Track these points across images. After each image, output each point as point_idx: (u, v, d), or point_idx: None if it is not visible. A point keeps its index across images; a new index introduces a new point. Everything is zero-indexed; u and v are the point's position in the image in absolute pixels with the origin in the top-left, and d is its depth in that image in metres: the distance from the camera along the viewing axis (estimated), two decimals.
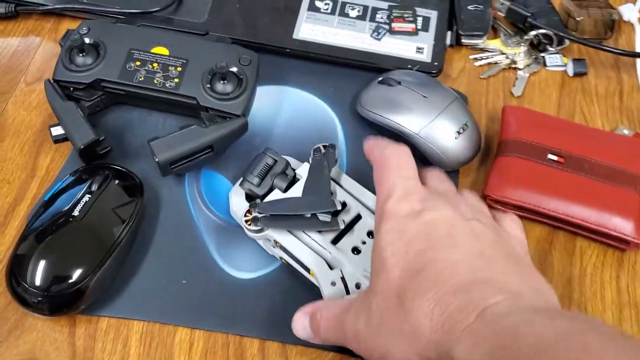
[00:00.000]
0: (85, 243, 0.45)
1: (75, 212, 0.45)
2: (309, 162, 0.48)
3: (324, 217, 0.45)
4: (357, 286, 0.43)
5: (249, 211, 0.46)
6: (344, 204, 0.46)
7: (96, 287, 0.44)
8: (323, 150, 0.49)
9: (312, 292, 0.45)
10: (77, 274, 0.43)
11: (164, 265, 0.48)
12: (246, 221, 0.46)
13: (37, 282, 0.43)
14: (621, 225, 0.48)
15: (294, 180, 0.48)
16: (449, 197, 0.39)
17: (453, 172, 0.53)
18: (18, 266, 0.44)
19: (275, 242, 0.45)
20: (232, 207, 0.48)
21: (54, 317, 0.45)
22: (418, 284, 0.32)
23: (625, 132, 0.55)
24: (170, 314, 0.46)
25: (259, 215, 0.45)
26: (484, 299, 0.30)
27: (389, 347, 0.33)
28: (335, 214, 0.45)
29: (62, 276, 0.43)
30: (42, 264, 0.43)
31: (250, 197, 0.48)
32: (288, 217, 0.45)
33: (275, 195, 0.47)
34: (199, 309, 0.46)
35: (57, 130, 0.49)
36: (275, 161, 0.48)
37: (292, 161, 0.49)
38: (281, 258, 0.47)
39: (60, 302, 0.43)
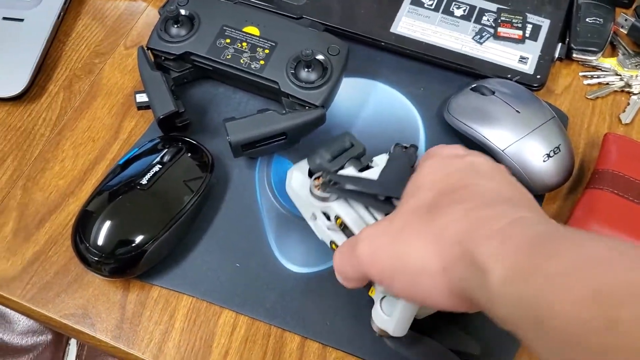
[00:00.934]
0: (148, 211, 0.46)
1: (144, 181, 0.46)
2: (387, 154, 0.45)
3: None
4: None
5: (318, 178, 0.42)
6: None
7: (154, 255, 0.45)
8: (404, 150, 0.45)
9: (363, 298, 0.43)
10: (137, 239, 0.44)
11: (221, 245, 0.48)
12: (315, 186, 0.42)
13: (99, 243, 0.44)
14: None
15: (367, 167, 0.44)
16: None
17: (538, 197, 0.48)
18: (83, 225, 0.45)
19: (336, 217, 0.41)
20: (291, 182, 0.45)
21: (110, 279, 0.46)
22: (450, 199, 0.33)
23: None
24: (219, 295, 0.46)
25: (330, 182, 0.41)
26: (515, 212, 0.30)
27: (408, 250, 0.32)
28: None
29: (123, 240, 0.45)
30: (105, 226, 0.45)
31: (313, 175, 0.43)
32: (359, 194, 0.41)
33: (347, 172, 0.43)
34: (248, 295, 0.46)
35: (142, 97, 0.50)
36: (353, 145, 0.44)
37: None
38: (332, 243, 0.42)
39: (118, 265, 0.45)
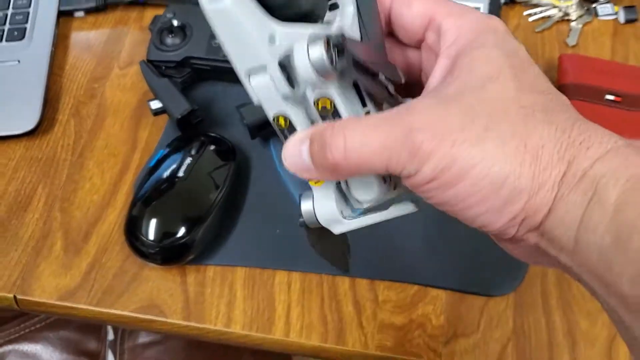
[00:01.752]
0: (190, 200, 0.51)
1: (180, 173, 0.51)
2: None
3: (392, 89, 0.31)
4: None
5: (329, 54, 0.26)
6: None
7: (202, 238, 0.50)
8: None
9: (391, 230, 0.50)
10: (185, 227, 0.49)
11: (259, 218, 0.53)
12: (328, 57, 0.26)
13: (152, 236, 0.49)
14: None
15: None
16: None
17: None
18: (135, 224, 0.50)
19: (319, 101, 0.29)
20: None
21: (166, 267, 0.51)
22: (549, 102, 0.26)
23: None
24: (269, 260, 0.51)
25: (340, 55, 0.27)
26: (619, 137, 0.26)
27: (499, 158, 0.25)
28: None
29: (173, 230, 0.49)
30: (155, 219, 0.50)
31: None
32: (366, 72, 0.28)
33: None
34: (294, 254, 0.51)
35: (156, 104, 0.55)
36: None
37: None
38: (280, 118, 0.29)
39: (172, 253, 0.50)
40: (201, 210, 0.51)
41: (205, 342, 0.73)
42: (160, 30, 0.57)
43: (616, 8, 0.64)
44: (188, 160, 0.52)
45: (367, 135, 0.26)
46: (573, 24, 0.63)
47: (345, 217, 0.32)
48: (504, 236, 0.27)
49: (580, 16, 0.64)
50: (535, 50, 0.62)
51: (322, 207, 0.31)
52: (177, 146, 0.54)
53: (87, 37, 0.65)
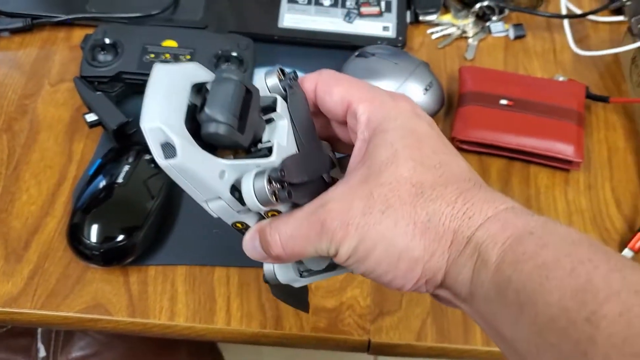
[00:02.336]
0: (130, 204, 0.54)
1: (119, 180, 0.54)
2: (280, 93, 0.34)
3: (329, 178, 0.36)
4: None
5: (272, 189, 0.31)
6: None
7: (142, 241, 0.53)
8: (282, 77, 0.35)
9: None
10: (124, 230, 0.52)
11: (197, 218, 0.57)
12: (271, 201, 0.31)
13: (94, 239, 0.52)
14: (564, 149, 0.59)
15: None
16: None
17: None
18: (77, 227, 0.52)
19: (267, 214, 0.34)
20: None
21: (108, 268, 0.53)
22: (438, 177, 0.31)
23: (561, 78, 0.67)
24: (208, 257, 0.55)
25: (286, 187, 0.31)
26: (511, 201, 0.31)
27: (393, 236, 0.30)
28: None
29: (115, 232, 0.52)
30: (98, 223, 0.52)
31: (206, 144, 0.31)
32: (313, 183, 0.34)
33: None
34: (231, 251, 0.55)
35: (91, 117, 0.58)
36: (249, 90, 0.32)
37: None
38: (238, 224, 0.36)
39: (114, 254, 0.52)
40: (140, 214, 0.54)
41: (141, 352, 0.75)
42: (93, 47, 0.60)
43: (507, 26, 0.73)
44: (126, 167, 0.55)
45: (295, 230, 0.32)
46: (470, 40, 0.71)
47: (302, 276, 0.37)
48: (420, 292, 0.32)
49: (476, 33, 0.72)
50: (438, 64, 0.70)
51: (281, 270, 0.37)
52: (114, 156, 0.57)
53: (15, 56, 0.67)
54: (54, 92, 0.65)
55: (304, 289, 0.42)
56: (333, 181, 0.34)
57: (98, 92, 0.59)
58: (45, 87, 0.65)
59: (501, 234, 0.28)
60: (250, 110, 0.31)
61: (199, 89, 0.31)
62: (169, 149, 0.29)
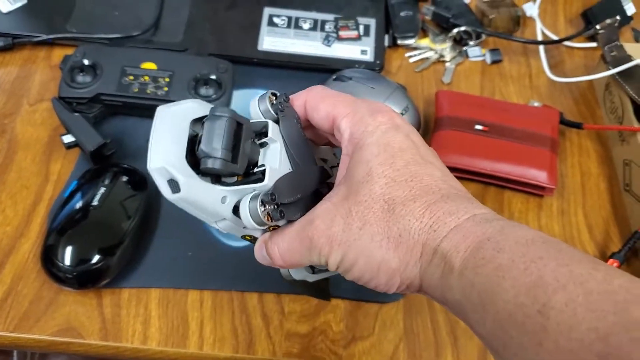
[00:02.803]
0: (105, 227, 0.54)
1: (95, 202, 0.54)
2: (274, 118, 0.38)
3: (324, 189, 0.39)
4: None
5: (265, 210, 0.35)
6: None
7: (116, 264, 0.53)
8: (274, 100, 0.38)
9: None
10: (98, 254, 0.52)
11: (172, 241, 0.57)
12: (265, 222, 0.35)
13: (68, 262, 0.52)
14: (537, 175, 0.60)
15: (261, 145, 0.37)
16: None
17: None
18: (52, 250, 0.52)
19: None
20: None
21: (82, 291, 0.53)
22: (408, 191, 0.33)
23: (536, 104, 0.68)
24: (181, 280, 0.55)
25: (279, 207, 0.35)
26: (474, 208, 0.33)
27: (371, 250, 0.33)
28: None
29: (89, 255, 0.52)
30: (71, 246, 0.52)
31: (211, 175, 0.36)
32: (305, 198, 0.37)
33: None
34: (205, 274, 0.55)
35: (68, 138, 0.58)
36: (239, 123, 0.36)
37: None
38: (248, 236, 0.40)
39: (89, 276, 0.52)
40: (115, 236, 0.54)
41: None
42: (72, 68, 0.60)
43: (483, 50, 0.74)
44: (101, 190, 0.55)
45: (290, 244, 0.36)
46: (448, 64, 0.72)
47: (314, 272, 0.41)
48: (411, 293, 0.36)
49: (454, 57, 0.73)
50: (415, 88, 0.70)
51: (294, 269, 0.41)
52: (91, 177, 0.57)
53: None
54: (32, 112, 0.65)
55: (324, 279, 0.44)
56: (329, 188, 0.37)
57: (76, 113, 0.59)
58: (24, 107, 0.65)
59: (462, 243, 0.31)
60: (242, 140, 0.35)
61: (200, 118, 0.35)
62: (174, 185, 0.33)
